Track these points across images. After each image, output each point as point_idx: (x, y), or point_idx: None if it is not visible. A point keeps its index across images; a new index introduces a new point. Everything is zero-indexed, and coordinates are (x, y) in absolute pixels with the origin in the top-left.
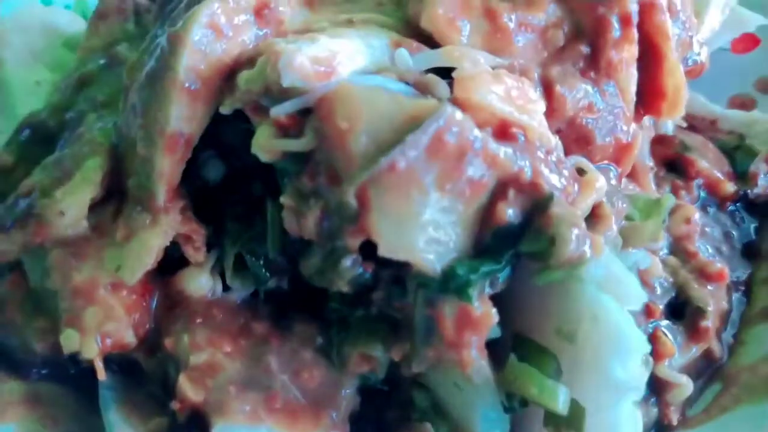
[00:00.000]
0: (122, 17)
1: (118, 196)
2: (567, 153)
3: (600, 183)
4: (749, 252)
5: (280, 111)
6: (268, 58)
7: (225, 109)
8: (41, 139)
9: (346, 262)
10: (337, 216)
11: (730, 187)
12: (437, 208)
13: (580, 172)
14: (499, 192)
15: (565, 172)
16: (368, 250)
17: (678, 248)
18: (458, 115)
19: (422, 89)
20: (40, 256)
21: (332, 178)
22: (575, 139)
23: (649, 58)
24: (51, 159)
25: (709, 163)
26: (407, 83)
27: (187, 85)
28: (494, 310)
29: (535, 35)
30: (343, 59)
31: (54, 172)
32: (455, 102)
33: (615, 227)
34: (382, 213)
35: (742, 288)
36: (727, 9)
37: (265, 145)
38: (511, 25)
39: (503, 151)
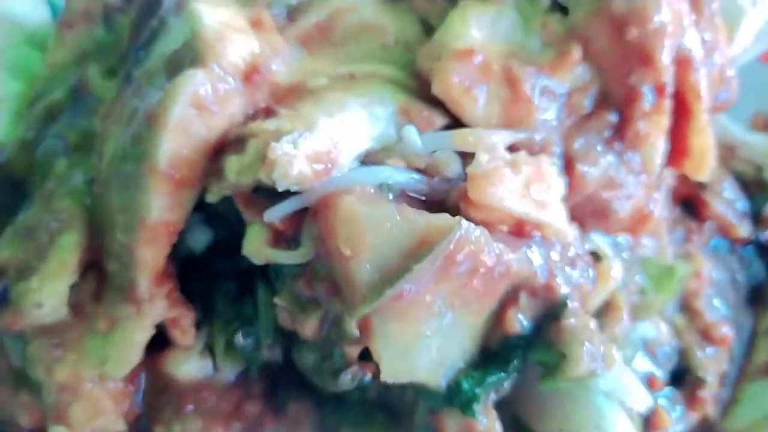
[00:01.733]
0: (90, 23)
1: (97, 271)
2: (583, 226)
3: (615, 272)
4: (755, 297)
5: (275, 215)
6: (260, 156)
7: (212, 198)
8: (8, 183)
9: (346, 376)
10: (336, 331)
11: (742, 232)
12: (444, 325)
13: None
14: (510, 297)
15: (581, 264)
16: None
17: (684, 304)
18: (472, 234)
19: (432, 172)
20: (19, 339)
21: (332, 289)
22: (593, 212)
23: (678, 113)
24: (21, 225)
25: (723, 203)
26: (416, 169)
27: (168, 172)
28: (498, 424)
29: (558, 102)
30: (344, 148)
31: (26, 248)
32: (469, 203)
33: (626, 317)
34: (386, 340)
35: (744, 338)
36: (760, 25)
37: (258, 252)
38: (534, 93)
39: (518, 259)
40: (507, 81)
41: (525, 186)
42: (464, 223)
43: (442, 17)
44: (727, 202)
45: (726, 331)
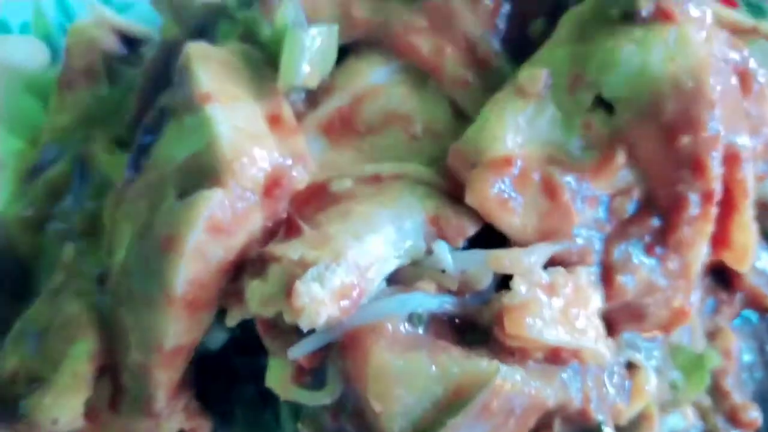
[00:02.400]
0: (92, 81)
1: (111, 376)
2: (616, 329)
3: (651, 385)
4: None
5: (299, 352)
6: (282, 286)
7: (232, 321)
8: (15, 266)
9: None
10: None
11: None
12: None
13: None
14: (543, 423)
15: (617, 380)
16: None
17: (712, 383)
18: (510, 381)
19: (463, 288)
20: None
21: (361, 426)
22: (627, 316)
23: (722, 206)
24: (30, 326)
25: (757, 275)
26: (447, 291)
27: (184, 299)
28: None
29: (599, 208)
30: (372, 274)
31: (36, 355)
32: (504, 332)
33: (657, 425)
34: None
35: None
36: None
37: (283, 389)
38: (574, 201)
39: (554, 391)
40: (546, 190)
41: (563, 312)
42: (502, 369)
43: (473, 102)
44: (761, 273)
45: (755, 415)
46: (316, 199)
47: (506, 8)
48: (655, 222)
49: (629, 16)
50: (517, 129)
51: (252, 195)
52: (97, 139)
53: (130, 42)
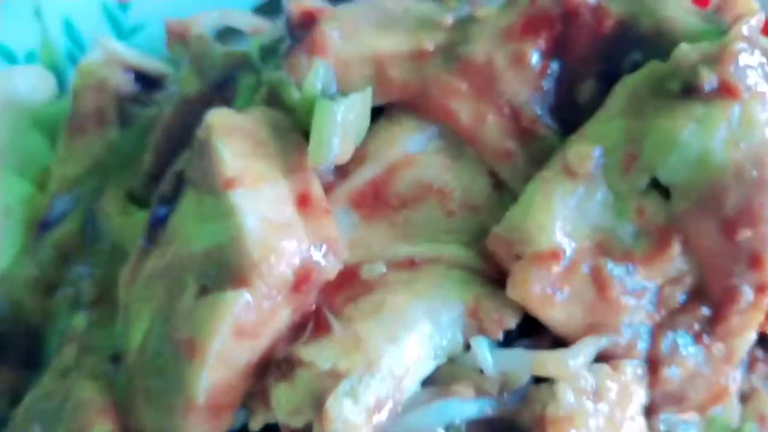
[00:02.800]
0: (102, 125)
1: None
2: (656, 411)
3: None
4: None
5: None
6: (311, 394)
7: (256, 426)
8: (23, 331)
9: None
10: None
11: None
12: None
13: None
14: None
15: None
16: None
17: None
18: None
19: (502, 388)
20: None
21: None
22: (667, 399)
23: None
24: (40, 405)
25: None
26: (488, 396)
27: (206, 404)
28: None
29: (648, 299)
30: (408, 381)
31: None
32: None
33: None
34: None
35: None
36: None
37: None
38: (623, 294)
39: None
40: (595, 283)
41: (609, 419)
42: None
43: (516, 174)
44: None
45: None
46: (347, 287)
47: (553, 69)
48: (704, 311)
49: (689, 90)
50: (565, 215)
51: (279, 293)
52: (109, 194)
53: (144, 79)
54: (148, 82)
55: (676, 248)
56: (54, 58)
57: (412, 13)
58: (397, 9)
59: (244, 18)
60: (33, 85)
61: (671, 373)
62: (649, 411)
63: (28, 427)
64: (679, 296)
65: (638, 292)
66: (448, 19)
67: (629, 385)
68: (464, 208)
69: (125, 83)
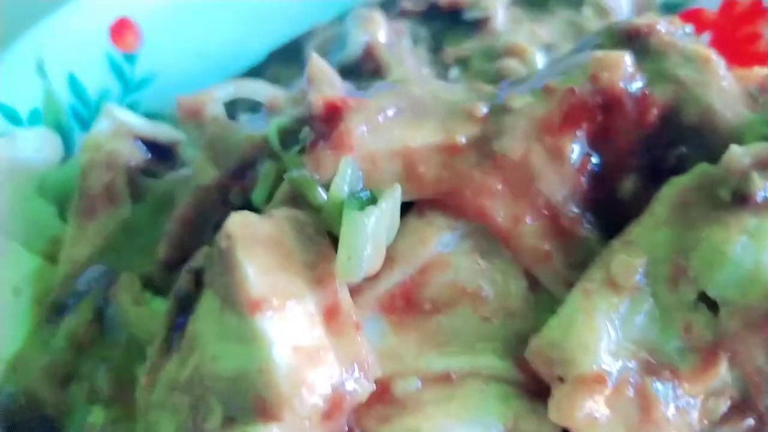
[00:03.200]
0: (113, 204)
1: None
2: None
3: None
4: None
5: None
6: None
7: None
8: (35, 419)
9: None
10: None
11: None
12: None
13: None
14: None
15: None
16: None
17: None
18: None
19: None
20: None
21: None
22: None
23: None
24: None
25: None
26: None
27: None
28: None
29: (691, 415)
30: None
31: None
32: None
33: None
34: None
35: None
36: None
37: None
38: (668, 413)
39: None
40: (640, 404)
41: None
42: None
43: (554, 276)
44: None
45: None
46: (380, 404)
47: (593, 164)
48: (748, 422)
49: (741, 199)
50: (609, 333)
51: (310, 423)
52: (123, 281)
53: (156, 147)
54: (158, 149)
55: (723, 366)
56: (59, 116)
57: (442, 101)
58: (426, 96)
59: (260, 88)
60: (38, 148)
61: None
62: None
63: None
64: (722, 408)
65: (682, 408)
66: (481, 109)
67: None
68: (499, 313)
69: (135, 155)
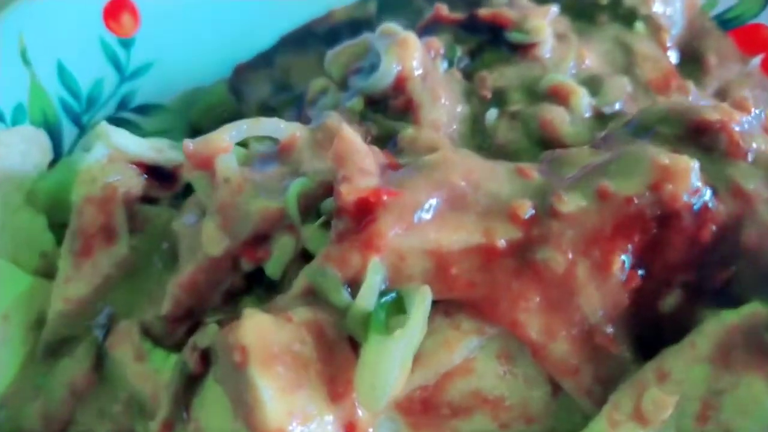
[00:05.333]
0: (110, 241)
1: None
2: None
3: None
4: None
5: None
6: None
7: None
8: None
9: None
10: None
11: None
12: None
13: None
14: None
15: None
16: None
17: None
18: None
19: None
20: None
21: None
22: None
23: None
24: None
25: None
26: None
27: None
28: None
29: None
30: None
31: None
32: None
33: None
34: None
35: None
36: None
37: None
38: None
39: None
40: None
41: None
42: None
43: (578, 390)
44: None
45: None
46: None
47: (638, 279)
48: None
49: None
50: None
51: None
52: (121, 330)
53: (155, 170)
54: (158, 171)
55: None
56: (46, 111)
57: (484, 192)
58: (467, 187)
59: (275, 127)
60: (24, 151)
61: None
62: None
63: None
64: None
65: None
66: (526, 210)
67: None
68: (519, 419)
69: (133, 184)
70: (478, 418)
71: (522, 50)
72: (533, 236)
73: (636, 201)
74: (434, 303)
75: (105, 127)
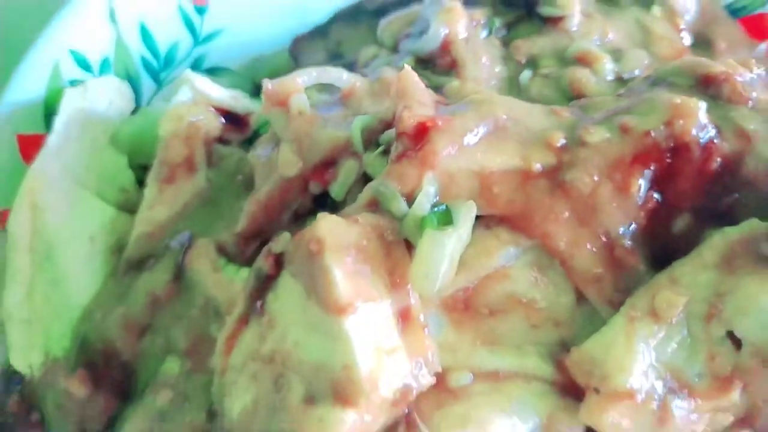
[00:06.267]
0: (192, 172)
1: None
2: None
3: None
4: None
5: None
6: None
7: None
8: (112, 365)
9: None
10: None
11: None
12: None
13: None
14: None
15: None
16: None
17: None
18: None
19: None
20: None
21: None
22: None
23: None
24: None
25: None
26: None
27: None
28: None
29: (700, 421)
30: None
31: None
32: None
33: None
34: None
35: None
36: None
37: None
38: (680, 420)
39: None
40: (659, 416)
41: None
42: None
43: (601, 296)
44: None
45: None
46: (435, 393)
47: (654, 201)
48: None
49: None
50: (645, 357)
51: (380, 409)
52: (200, 246)
53: (232, 116)
54: (232, 117)
55: (736, 392)
56: (128, 66)
57: (523, 126)
58: (508, 121)
59: (340, 76)
60: (110, 99)
61: None
62: None
63: None
64: (727, 422)
65: (693, 422)
66: (559, 139)
67: None
68: (548, 321)
69: (214, 126)
70: (512, 318)
71: (552, 22)
72: (564, 161)
73: (653, 134)
74: (477, 218)
75: (190, 74)
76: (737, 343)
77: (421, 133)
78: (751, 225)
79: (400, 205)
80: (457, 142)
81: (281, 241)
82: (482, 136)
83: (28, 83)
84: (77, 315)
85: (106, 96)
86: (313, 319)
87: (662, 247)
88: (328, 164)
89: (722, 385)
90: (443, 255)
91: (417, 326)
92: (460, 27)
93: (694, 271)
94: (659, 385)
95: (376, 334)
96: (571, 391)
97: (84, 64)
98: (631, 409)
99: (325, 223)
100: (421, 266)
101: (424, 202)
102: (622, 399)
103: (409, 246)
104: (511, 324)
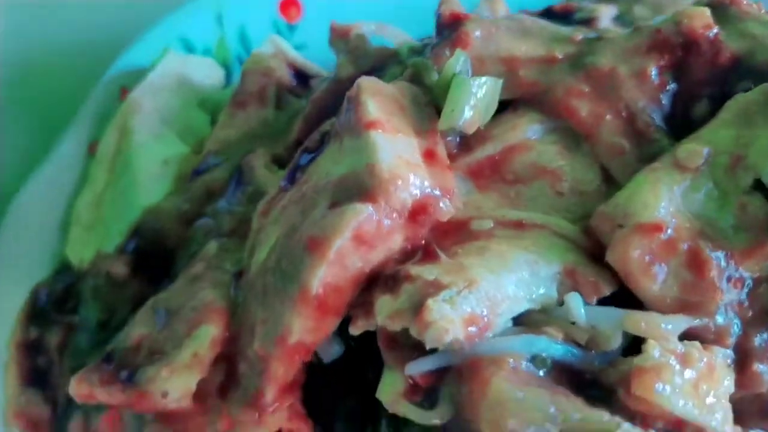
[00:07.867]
0: (262, 105)
1: (226, 365)
2: (745, 423)
3: None
4: None
5: (417, 370)
6: (413, 304)
7: (355, 331)
8: (157, 252)
9: None
10: None
11: None
12: None
13: None
14: None
15: None
16: None
17: None
18: None
19: (590, 345)
20: (138, 417)
21: None
22: (759, 411)
23: None
24: (162, 304)
25: None
26: (574, 343)
27: (317, 300)
28: None
29: (743, 291)
30: (501, 310)
31: (164, 331)
32: (630, 393)
33: None
34: None
35: None
36: None
37: (393, 403)
38: (719, 280)
39: None
40: (692, 263)
41: (694, 386)
42: (624, 426)
43: (625, 170)
44: None
45: None
46: (456, 233)
47: (672, 87)
48: None
49: None
50: (670, 199)
51: (398, 216)
52: (259, 154)
53: (301, 76)
54: (304, 79)
55: None
56: (226, 57)
57: (547, 30)
58: (534, 25)
59: (397, 33)
60: (205, 74)
61: (762, 371)
62: (738, 421)
63: (149, 319)
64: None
65: (735, 279)
66: (579, 36)
67: (718, 366)
68: (573, 192)
69: (286, 76)
70: (537, 185)
71: (586, 23)
72: (585, 50)
73: (663, 30)
74: (504, 103)
75: (276, 37)
76: (766, 193)
77: (456, 22)
78: (763, 87)
79: (433, 75)
80: (486, 30)
81: (328, 124)
82: (510, 29)
83: (138, 56)
84: (137, 215)
85: (202, 71)
86: (345, 149)
87: (684, 127)
88: (377, 70)
89: (759, 237)
90: (469, 93)
91: (441, 164)
92: None
93: (714, 129)
94: (689, 228)
95: (401, 149)
96: (598, 254)
97: (189, 47)
98: (660, 245)
99: (367, 78)
100: (448, 105)
101: (454, 65)
102: (647, 231)
103: (440, 113)
104: (537, 190)
